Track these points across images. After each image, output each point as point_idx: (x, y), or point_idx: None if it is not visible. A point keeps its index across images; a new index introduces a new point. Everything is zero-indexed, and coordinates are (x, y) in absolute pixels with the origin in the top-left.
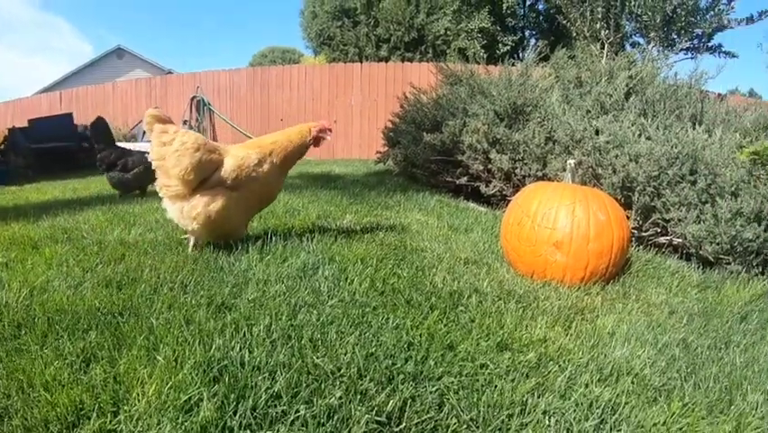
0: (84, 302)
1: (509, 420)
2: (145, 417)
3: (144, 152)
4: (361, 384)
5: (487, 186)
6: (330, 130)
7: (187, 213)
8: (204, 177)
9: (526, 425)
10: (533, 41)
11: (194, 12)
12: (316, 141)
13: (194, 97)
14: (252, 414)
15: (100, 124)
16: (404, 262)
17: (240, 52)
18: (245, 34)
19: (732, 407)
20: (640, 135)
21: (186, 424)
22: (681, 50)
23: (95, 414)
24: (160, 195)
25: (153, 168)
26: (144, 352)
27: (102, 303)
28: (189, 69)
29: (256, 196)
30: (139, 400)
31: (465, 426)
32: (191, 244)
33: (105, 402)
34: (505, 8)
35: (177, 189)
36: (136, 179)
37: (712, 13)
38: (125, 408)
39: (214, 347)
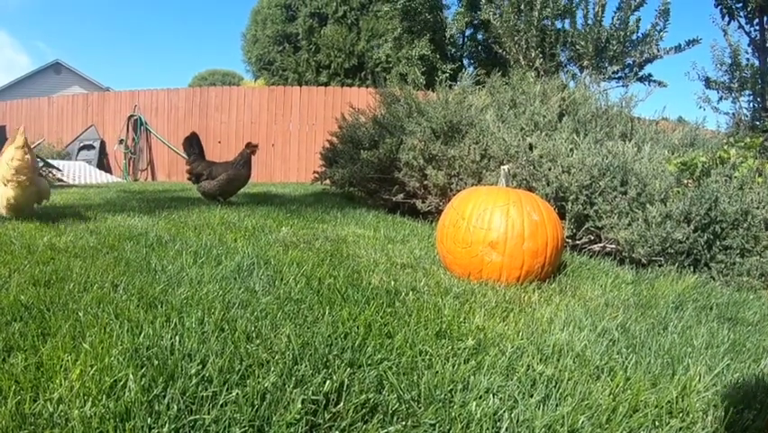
0: (9, 297)
1: (452, 396)
2: (67, 400)
3: (225, 163)
4: (297, 369)
5: (423, 202)
6: None
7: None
8: None
9: (470, 400)
10: (471, 69)
11: (135, 31)
12: None
13: (131, 116)
14: (182, 397)
15: (194, 139)
16: (341, 266)
17: (180, 74)
18: (186, 56)
19: (675, 377)
20: (572, 150)
21: (110, 405)
22: (611, 77)
23: (11, 398)
24: None
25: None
26: (70, 340)
27: (28, 299)
28: (128, 88)
29: None
30: (61, 384)
31: (406, 404)
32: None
33: (25, 388)
34: (448, 37)
35: None
36: (219, 187)
37: (644, 42)
38: (47, 393)
39: (143, 335)
